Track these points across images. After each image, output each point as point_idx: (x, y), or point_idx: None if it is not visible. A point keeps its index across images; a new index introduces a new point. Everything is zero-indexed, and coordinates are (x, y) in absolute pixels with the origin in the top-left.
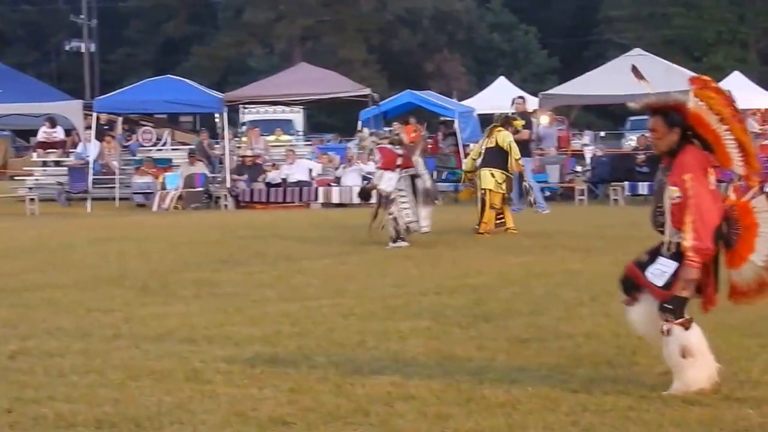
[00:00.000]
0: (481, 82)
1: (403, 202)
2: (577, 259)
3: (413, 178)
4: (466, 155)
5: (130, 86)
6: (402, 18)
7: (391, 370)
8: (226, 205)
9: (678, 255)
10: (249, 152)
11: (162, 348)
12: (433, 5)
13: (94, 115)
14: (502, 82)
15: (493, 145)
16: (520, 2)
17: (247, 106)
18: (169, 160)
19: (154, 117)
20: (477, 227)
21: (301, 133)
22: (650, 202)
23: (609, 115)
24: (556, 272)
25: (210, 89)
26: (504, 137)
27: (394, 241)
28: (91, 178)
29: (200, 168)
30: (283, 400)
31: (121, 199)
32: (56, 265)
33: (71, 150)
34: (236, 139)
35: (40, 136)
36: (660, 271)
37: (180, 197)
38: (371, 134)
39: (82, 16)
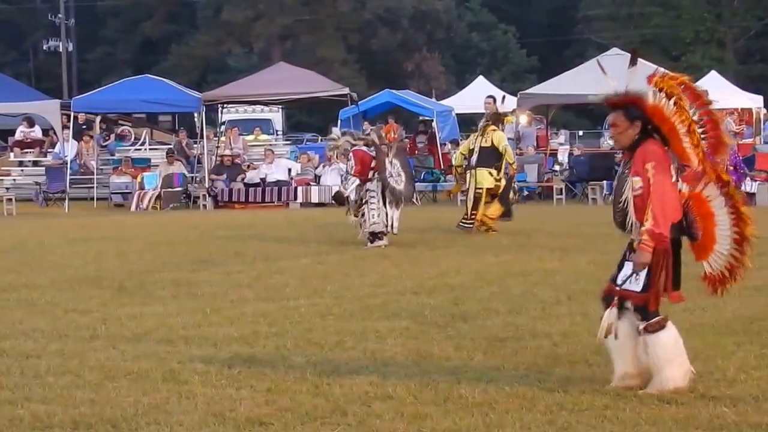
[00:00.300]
0: (460, 82)
1: (372, 206)
2: (555, 259)
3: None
4: (443, 155)
5: (109, 86)
6: (381, 17)
7: (369, 370)
8: (204, 205)
9: None
10: (227, 152)
11: (139, 349)
12: (412, 5)
13: (72, 114)
14: (481, 81)
15: (488, 144)
16: (499, 2)
17: (226, 105)
18: (148, 160)
19: (132, 116)
20: (465, 224)
21: (280, 133)
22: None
23: (587, 115)
24: (533, 271)
25: (188, 89)
26: (500, 139)
27: (372, 242)
28: (68, 178)
29: (179, 168)
30: (261, 400)
31: (98, 199)
32: (33, 265)
33: (49, 150)
34: (215, 138)
35: (18, 135)
36: (633, 274)
37: (158, 197)
38: (345, 134)
39: (60, 16)
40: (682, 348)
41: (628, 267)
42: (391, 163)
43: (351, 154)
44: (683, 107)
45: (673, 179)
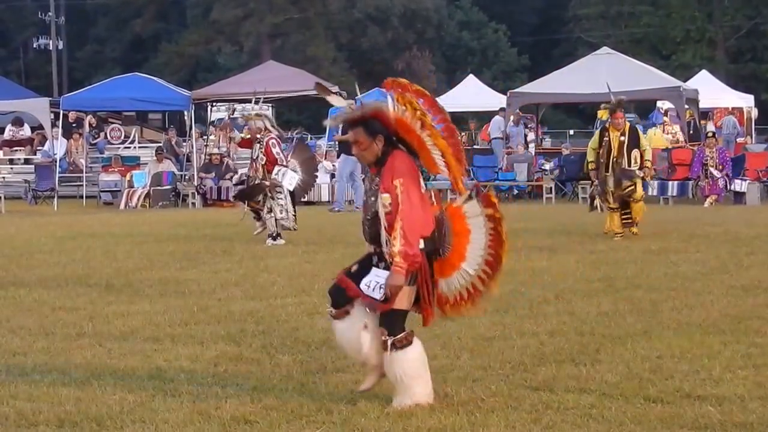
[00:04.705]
0: (451, 80)
1: (280, 200)
2: (543, 258)
3: None
4: None
5: (98, 84)
6: (371, 16)
7: (355, 369)
8: (193, 203)
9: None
10: (216, 150)
11: (126, 346)
12: (402, 3)
13: (61, 112)
14: (471, 80)
15: None
16: (490, 0)
17: (215, 103)
18: (137, 158)
19: (122, 115)
20: None
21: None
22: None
23: (578, 114)
24: (521, 270)
25: (178, 87)
26: None
27: (274, 239)
28: (57, 176)
29: (168, 166)
30: (246, 398)
31: (88, 197)
32: (21, 263)
33: (39, 148)
34: (203, 137)
35: (6, 135)
36: (376, 283)
37: (147, 195)
38: (263, 116)
39: (50, 14)
40: (426, 364)
41: (379, 275)
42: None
43: (273, 141)
44: (427, 125)
45: (423, 191)
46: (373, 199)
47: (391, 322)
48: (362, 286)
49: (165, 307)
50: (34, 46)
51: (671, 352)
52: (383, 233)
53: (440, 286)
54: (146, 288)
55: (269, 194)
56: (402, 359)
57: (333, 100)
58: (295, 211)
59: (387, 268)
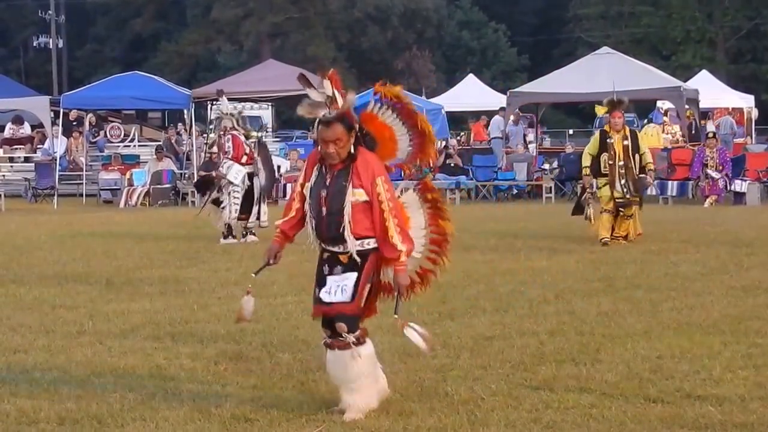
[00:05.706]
0: (451, 80)
1: (235, 198)
2: (543, 257)
3: (251, 175)
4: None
5: (98, 82)
6: (371, 15)
7: None
8: (193, 202)
9: (352, 266)
10: (216, 150)
11: (126, 344)
12: (402, 3)
13: (61, 111)
14: (471, 79)
15: None
16: (489, 0)
17: (215, 102)
18: (137, 157)
19: (122, 113)
20: None
21: (270, 130)
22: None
23: (578, 113)
24: (521, 270)
25: (178, 86)
26: None
27: (225, 237)
28: (57, 174)
29: (168, 164)
30: (246, 397)
31: (87, 195)
32: (21, 261)
33: (39, 146)
34: (204, 135)
35: (7, 133)
36: (338, 285)
37: (147, 194)
38: (233, 115)
39: (50, 12)
40: (377, 364)
41: (337, 280)
42: (256, 159)
43: (230, 136)
44: (411, 110)
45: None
46: (336, 194)
47: (352, 321)
48: (323, 297)
49: (165, 306)
50: (34, 44)
51: (671, 352)
52: (348, 233)
53: (387, 273)
54: (146, 286)
55: (224, 191)
56: (357, 356)
57: (312, 94)
58: (259, 209)
59: (345, 271)
